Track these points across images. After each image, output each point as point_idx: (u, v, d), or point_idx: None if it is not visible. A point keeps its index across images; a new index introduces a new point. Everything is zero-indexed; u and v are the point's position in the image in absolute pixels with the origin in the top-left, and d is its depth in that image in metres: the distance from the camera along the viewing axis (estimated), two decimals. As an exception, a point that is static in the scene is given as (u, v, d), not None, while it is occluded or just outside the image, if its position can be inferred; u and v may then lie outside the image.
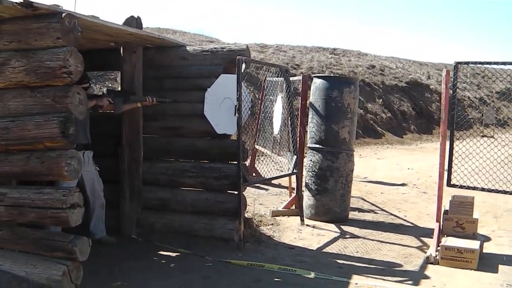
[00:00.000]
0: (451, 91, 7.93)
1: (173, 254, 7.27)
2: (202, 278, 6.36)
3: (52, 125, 5.36)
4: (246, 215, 8.34)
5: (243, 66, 7.51)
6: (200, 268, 6.73)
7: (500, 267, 7.33)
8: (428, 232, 8.60)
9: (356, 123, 10.00)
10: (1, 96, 5.64)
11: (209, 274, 6.52)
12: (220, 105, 7.65)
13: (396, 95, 30.42)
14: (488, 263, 7.44)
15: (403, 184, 13.93)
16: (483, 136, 22.66)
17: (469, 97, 36.78)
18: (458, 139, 8.26)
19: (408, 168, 17.08)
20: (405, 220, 10.05)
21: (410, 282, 6.59)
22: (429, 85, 34.10)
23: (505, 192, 8.00)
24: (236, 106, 7.45)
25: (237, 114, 7.44)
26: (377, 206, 11.04)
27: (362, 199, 11.63)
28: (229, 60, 7.74)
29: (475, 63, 8.24)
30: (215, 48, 8.14)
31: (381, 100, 28.49)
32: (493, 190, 8.00)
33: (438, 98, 31.76)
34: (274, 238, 8.23)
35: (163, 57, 8.09)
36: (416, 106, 30.98)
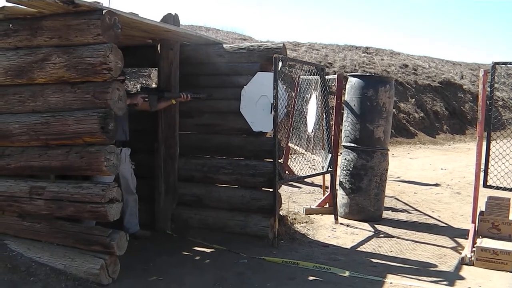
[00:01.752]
0: (488, 92, 7.87)
1: (208, 250, 7.31)
2: (236, 275, 6.40)
3: (92, 120, 5.45)
4: (280, 213, 8.36)
5: (280, 64, 7.53)
6: (234, 264, 6.77)
7: (535, 269, 7.27)
8: (463, 233, 8.56)
9: (391, 122, 9.97)
10: (41, 91, 5.75)
11: (243, 270, 6.55)
12: (256, 102, 7.68)
13: (429, 95, 30.19)
14: (523, 265, 7.39)
15: (436, 184, 13.84)
16: (517, 138, 22.41)
17: (503, 98, 36.39)
18: (493, 139, 8.20)
19: (441, 168, 16.96)
20: (439, 220, 9.99)
21: (445, 282, 6.57)
22: (462, 85, 33.79)
23: (541, 194, 7.94)
24: (272, 104, 7.47)
25: (273, 112, 7.46)
26: (410, 206, 10.99)
27: (396, 198, 11.59)
28: (266, 58, 7.76)
29: (513, 63, 8.17)
30: (251, 46, 8.16)
31: (413, 99, 28.30)
32: (529, 191, 7.94)
33: (471, 98, 31.50)
34: (308, 236, 8.25)
35: (200, 54, 8.12)
36: (449, 106, 30.71)
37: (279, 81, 7.53)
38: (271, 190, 7.63)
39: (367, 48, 33.19)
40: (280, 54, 7.65)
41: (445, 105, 30.37)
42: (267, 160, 7.74)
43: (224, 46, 8.19)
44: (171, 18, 7.54)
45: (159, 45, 7.93)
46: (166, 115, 7.91)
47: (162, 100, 7.46)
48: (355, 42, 35.62)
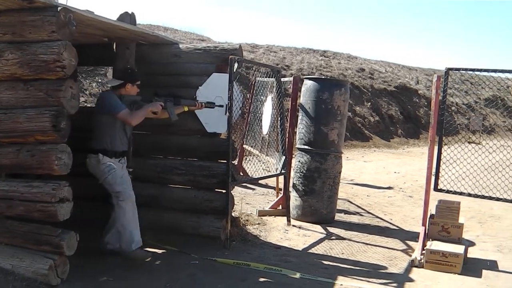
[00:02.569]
0: (441, 97, 7.98)
1: (160, 251, 7.26)
2: (188, 276, 6.37)
3: (44, 118, 5.40)
4: (233, 214, 8.36)
5: (236, 65, 7.53)
6: (186, 265, 6.74)
7: (484, 272, 7.40)
8: (413, 236, 8.66)
9: (345, 125, 10.06)
10: (-7, 88, 5.66)
11: (194, 271, 6.53)
12: (211, 104, 7.67)
13: (384, 99, 30.53)
14: (472, 267, 7.52)
15: (389, 188, 14.01)
16: (470, 142, 22.76)
17: (456, 103, 36.93)
18: (445, 144, 8.32)
19: (395, 172, 17.17)
20: (390, 223, 10.11)
21: (394, 284, 6.65)
22: (417, 90, 34.24)
23: (490, 198, 8.08)
24: (227, 105, 7.47)
25: (227, 113, 7.46)
26: (363, 209, 11.10)
27: (348, 201, 11.69)
28: (222, 59, 7.74)
29: (466, 69, 8.31)
30: (208, 46, 8.15)
31: (369, 103, 28.59)
32: (479, 195, 8.07)
33: (426, 103, 31.93)
34: (260, 238, 8.26)
35: (156, 54, 8.08)
36: (404, 110, 31.10)
37: (234, 83, 7.54)
38: (224, 191, 7.63)
39: (324, 51, 33.44)
40: (236, 55, 7.64)
41: (400, 109, 30.75)
42: (221, 161, 7.73)
43: (181, 46, 8.16)
44: (127, 17, 7.47)
45: (115, 44, 7.87)
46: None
47: (176, 106, 7.32)
48: (313, 45, 35.86)
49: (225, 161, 7.59)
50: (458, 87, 38.83)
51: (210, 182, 7.76)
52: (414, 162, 19.52)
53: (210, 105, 7.42)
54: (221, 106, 7.52)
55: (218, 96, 7.58)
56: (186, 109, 7.32)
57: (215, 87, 7.63)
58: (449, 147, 8.51)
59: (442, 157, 8.07)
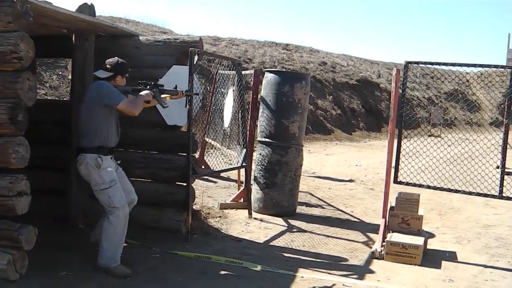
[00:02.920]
0: (400, 90, 8.03)
1: (120, 245, 7.21)
2: (148, 269, 6.34)
3: (0, 111, 5.30)
4: (194, 207, 8.34)
5: (196, 58, 7.50)
6: (146, 259, 6.71)
7: (443, 263, 7.50)
8: (374, 228, 8.72)
9: (306, 118, 10.08)
10: None
11: (155, 265, 6.50)
12: (171, 96, 7.62)
13: (346, 93, 30.70)
14: (431, 258, 7.61)
15: (350, 180, 14.10)
16: (430, 136, 23.05)
17: (418, 97, 37.31)
18: (406, 137, 8.39)
19: (356, 165, 17.27)
20: (351, 215, 10.18)
21: (355, 276, 6.69)
22: (379, 84, 34.48)
23: (449, 190, 8.17)
24: (187, 98, 7.42)
25: (188, 106, 7.42)
26: (324, 201, 11.14)
27: (310, 194, 11.73)
28: (182, 51, 7.70)
29: (425, 63, 8.39)
30: (168, 39, 8.10)
31: (331, 97, 28.72)
32: (438, 188, 8.15)
33: (387, 96, 32.18)
34: (221, 231, 8.25)
35: (116, 46, 8.00)
36: (366, 104, 31.31)
37: (194, 75, 7.50)
38: (184, 184, 7.60)
39: (287, 45, 33.47)
40: (197, 47, 7.61)
41: (362, 102, 30.95)
42: (182, 154, 7.69)
43: (141, 38, 8.11)
44: (86, 8, 7.40)
45: (74, 36, 7.77)
46: (79, 106, 7.76)
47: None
48: (275, 39, 35.89)
49: (185, 154, 7.55)
50: (419, 81, 39.22)
51: (170, 175, 7.73)
52: (376, 155, 19.66)
53: (189, 93, 7.30)
54: (197, 94, 7.54)
55: (178, 88, 7.53)
56: (168, 98, 6.98)
57: (175, 79, 7.56)
58: (409, 140, 8.58)
59: (402, 150, 8.12)
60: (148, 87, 6.59)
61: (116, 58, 6.51)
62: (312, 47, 35.61)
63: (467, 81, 41.70)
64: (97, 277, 6.00)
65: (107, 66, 6.32)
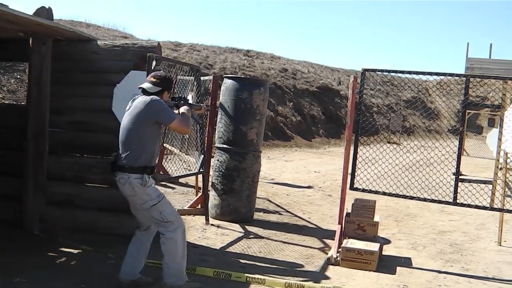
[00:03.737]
0: (357, 97, 8.10)
1: (75, 251, 7.14)
2: (103, 276, 6.30)
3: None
4: (150, 213, 8.29)
5: (154, 63, 7.47)
6: (101, 265, 6.66)
7: (398, 268, 7.58)
8: (331, 234, 8.75)
9: (264, 125, 10.10)
10: None
11: (110, 271, 6.43)
12: (128, 101, 7.57)
13: (306, 99, 30.84)
14: (387, 264, 7.68)
15: (309, 187, 14.16)
16: (389, 142, 23.26)
17: (377, 104, 37.64)
18: (368, 144, 8.47)
19: (315, 171, 17.36)
20: (309, 221, 10.22)
21: (310, 282, 6.70)
22: (339, 91, 34.72)
23: (405, 197, 8.25)
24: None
25: (145, 112, 7.38)
26: (282, 208, 11.17)
27: (268, 200, 11.75)
28: (140, 56, 7.68)
29: (382, 71, 8.47)
30: (126, 43, 8.08)
31: (291, 103, 28.83)
32: (393, 194, 8.22)
33: (347, 103, 32.36)
34: (178, 236, 8.22)
35: (74, 51, 7.97)
36: (326, 110, 31.49)
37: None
38: (141, 190, 7.55)
39: (248, 51, 33.51)
40: (155, 53, 7.60)
41: (322, 109, 31.12)
42: (138, 159, 7.65)
43: (99, 43, 8.08)
44: (44, 12, 7.35)
45: (31, 39, 7.71)
46: (36, 111, 7.69)
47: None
48: (237, 45, 35.92)
49: (142, 160, 7.51)
50: (380, 89, 39.56)
51: (127, 180, 7.67)
52: (335, 162, 19.77)
53: (208, 107, 7.08)
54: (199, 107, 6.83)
55: (136, 94, 7.50)
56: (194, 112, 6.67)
57: (133, 84, 7.51)
58: (367, 147, 8.65)
59: (359, 156, 8.19)
60: (181, 102, 6.21)
61: (163, 72, 6.21)
62: (274, 54, 35.74)
63: (426, 89, 42.27)
64: (52, 283, 5.95)
65: (155, 80, 5.88)
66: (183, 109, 6.00)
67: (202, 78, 10.03)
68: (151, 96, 5.71)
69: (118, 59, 7.87)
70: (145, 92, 5.84)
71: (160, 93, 5.84)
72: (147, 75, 7.32)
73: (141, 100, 5.74)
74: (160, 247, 5.81)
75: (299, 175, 16.14)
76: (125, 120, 5.80)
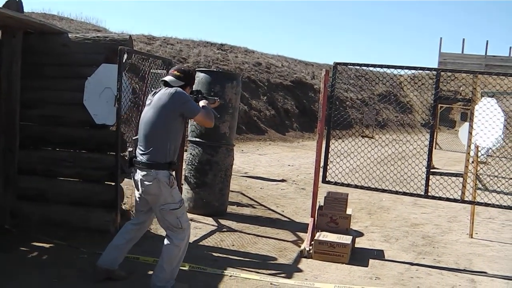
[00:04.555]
0: (329, 91, 8.12)
1: (47, 246, 7.10)
2: (75, 271, 6.27)
3: None
4: (123, 207, 8.28)
5: (125, 56, 7.45)
6: (74, 260, 6.63)
7: (371, 261, 7.63)
8: (304, 227, 8.77)
9: (238, 118, 10.11)
10: None
11: (83, 266, 6.42)
12: (100, 94, 7.53)
13: (280, 93, 30.87)
14: (359, 257, 7.74)
15: (282, 180, 14.18)
16: (363, 136, 23.36)
17: (351, 98, 37.76)
18: (340, 138, 8.50)
19: (289, 165, 17.39)
20: (282, 215, 10.24)
21: (283, 275, 6.75)
22: (313, 85, 34.77)
23: (377, 190, 8.29)
24: (116, 96, 7.37)
25: (117, 105, 7.36)
26: (255, 201, 11.18)
27: (242, 193, 11.75)
28: (112, 49, 7.64)
29: (354, 64, 8.49)
30: (97, 36, 8.04)
31: (265, 97, 28.85)
32: (366, 187, 8.26)
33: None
34: (151, 231, 8.17)
35: (44, 43, 7.91)
36: (300, 104, 31.54)
37: (124, 74, 7.45)
38: (113, 184, 7.53)
39: (222, 44, 33.47)
40: (127, 46, 7.57)
41: (296, 103, 31.16)
42: (111, 153, 7.63)
43: (70, 35, 8.03)
44: (14, 4, 7.29)
45: (0, 32, 7.63)
46: (6, 105, 7.63)
47: None
48: (211, 38, 35.80)
49: (114, 153, 7.49)
50: (353, 83, 39.70)
51: (99, 174, 7.67)
52: (308, 155, 19.80)
53: (221, 101, 6.93)
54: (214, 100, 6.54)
55: (107, 87, 7.47)
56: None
57: (104, 78, 7.52)
58: (344, 141, 8.69)
59: (332, 150, 8.21)
60: (199, 95, 6.06)
61: (187, 67, 6.07)
62: (247, 48, 35.73)
63: (400, 83, 42.52)
64: (23, 278, 5.91)
65: (179, 74, 5.75)
66: (202, 102, 5.90)
67: (175, 71, 9.99)
68: (175, 88, 5.61)
69: (89, 52, 7.82)
70: (167, 85, 5.73)
71: (183, 88, 5.72)
72: (119, 68, 7.33)
73: (164, 92, 5.61)
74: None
75: (272, 169, 16.16)
76: (148, 113, 5.63)
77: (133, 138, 5.85)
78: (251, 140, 23.86)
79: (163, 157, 5.54)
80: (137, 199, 5.90)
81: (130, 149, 5.79)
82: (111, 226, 7.48)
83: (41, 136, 8.00)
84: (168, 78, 5.73)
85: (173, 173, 5.67)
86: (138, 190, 5.71)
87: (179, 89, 5.60)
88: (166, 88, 5.65)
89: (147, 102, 5.77)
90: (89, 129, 7.80)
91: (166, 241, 5.75)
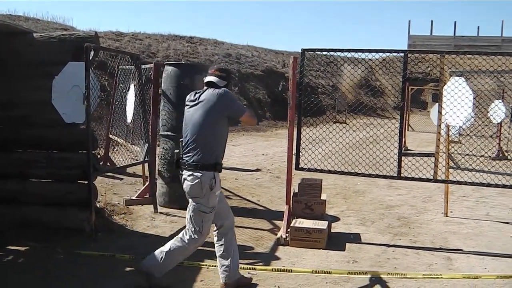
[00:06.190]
0: (298, 77, 8.14)
1: (23, 248, 7.07)
2: (51, 271, 6.25)
3: None
4: (98, 205, 8.28)
5: (92, 53, 7.40)
6: (50, 260, 6.61)
7: (347, 245, 7.69)
8: (280, 215, 8.79)
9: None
10: None
11: (60, 266, 6.42)
12: (68, 93, 7.48)
13: (252, 83, 30.83)
14: (336, 242, 7.80)
15: (257, 170, 14.21)
16: (336, 122, 23.39)
17: (322, 84, 37.81)
18: (312, 125, 8.53)
19: (263, 154, 17.41)
20: (258, 204, 10.27)
21: (261, 263, 6.79)
22: (284, 73, 34.74)
23: (350, 174, 8.35)
24: (84, 94, 7.32)
25: (85, 103, 7.32)
26: (231, 192, 11.18)
27: (216, 185, 11.71)
28: (78, 47, 7.57)
29: (321, 50, 8.54)
30: (63, 35, 8.02)
31: (237, 88, 28.78)
32: (339, 172, 8.31)
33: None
34: (127, 227, 8.19)
35: (10, 44, 7.85)
36: (272, 93, 31.51)
37: (91, 71, 7.41)
38: (86, 182, 7.50)
39: (191, 37, 33.35)
40: (93, 43, 7.52)
41: (267, 92, 31.13)
42: (82, 152, 7.59)
43: (35, 35, 7.98)
44: (-24, 6, 7.21)
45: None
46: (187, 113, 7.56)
47: None
48: (180, 32, 35.55)
49: (86, 152, 7.45)
50: (324, 69, 39.75)
51: (71, 173, 7.64)
52: (282, 144, 19.72)
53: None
54: None
55: (75, 85, 7.42)
56: None
57: (71, 76, 7.47)
58: (314, 127, 8.71)
59: (303, 136, 8.23)
60: None
61: (226, 66, 6.10)
62: (217, 39, 35.62)
63: (371, 67, 42.62)
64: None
65: (221, 73, 5.82)
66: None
67: (143, 66, 9.96)
68: (223, 88, 5.66)
69: (56, 51, 7.78)
70: (213, 85, 5.76)
71: (225, 87, 5.78)
72: (86, 65, 7.28)
73: (212, 93, 5.64)
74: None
75: (247, 159, 16.18)
76: (195, 115, 5.66)
77: (180, 140, 5.87)
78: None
79: (209, 158, 5.60)
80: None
81: (176, 150, 5.79)
82: (86, 224, 7.45)
83: (11, 137, 7.96)
84: (213, 78, 5.76)
85: (218, 175, 5.71)
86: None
87: (226, 89, 5.70)
88: (214, 89, 5.68)
89: (188, 102, 5.83)
90: (60, 128, 7.75)
91: (180, 234, 5.87)
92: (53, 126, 7.81)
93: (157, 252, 5.77)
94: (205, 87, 5.78)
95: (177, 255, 5.81)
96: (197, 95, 5.76)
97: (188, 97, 5.91)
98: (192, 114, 5.70)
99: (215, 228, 6.01)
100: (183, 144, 5.77)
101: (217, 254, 5.95)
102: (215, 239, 6.02)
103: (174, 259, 5.81)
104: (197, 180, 5.57)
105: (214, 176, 5.59)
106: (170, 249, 5.76)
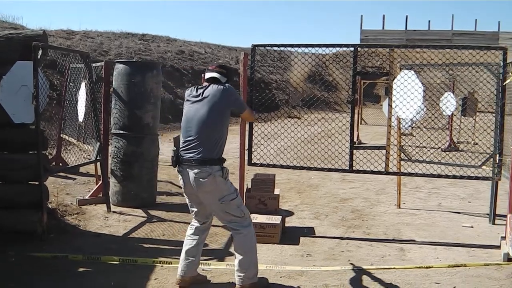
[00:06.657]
0: (249, 73, 8.15)
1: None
2: (4, 274, 6.15)
3: None
4: (50, 206, 8.17)
5: (40, 52, 7.31)
6: (2, 263, 6.50)
7: (301, 239, 7.76)
8: (234, 211, 8.81)
9: (161, 108, 10.04)
10: None
11: (11, 269, 6.32)
12: (16, 93, 7.37)
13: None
14: (290, 236, 7.86)
15: (211, 166, 14.15)
16: (290, 117, 23.53)
17: (276, 80, 37.93)
18: (264, 120, 8.55)
19: (217, 150, 17.39)
20: (212, 200, 10.23)
21: (215, 259, 6.80)
22: (237, 69, 34.68)
23: (303, 168, 8.42)
24: (33, 94, 7.23)
25: (34, 102, 7.22)
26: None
27: (171, 183, 11.71)
28: (26, 46, 7.46)
29: (272, 45, 8.57)
30: (10, 34, 7.89)
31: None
32: (291, 166, 8.36)
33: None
34: (79, 228, 8.11)
35: (-46, 45, 7.69)
36: (225, 90, 31.51)
37: (40, 70, 7.32)
38: (37, 183, 7.40)
39: (143, 35, 33.24)
40: (41, 42, 7.42)
41: (221, 89, 31.09)
42: (32, 152, 7.49)
43: (-20, 35, 7.82)
44: None
45: None
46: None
47: None
48: (132, 29, 35.33)
49: (36, 152, 7.36)
50: (277, 65, 39.86)
51: (22, 175, 7.49)
52: (236, 140, 19.48)
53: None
54: None
55: (24, 85, 7.32)
56: None
57: (20, 75, 7.35)
58: (270, 123, 8.74)
59: (255, 132, 8.25)
60: None
61: (225, 63, 6.07)
62: (170, 36, 35.56)
63: (324, 63, 42.85)
64: None
65: (222, 70, 5.89)
66: None
67: (94, 64, 9.87)
68: (226, 84, 5.72)
69: (3, 50, 7.63)
70: (215, 81, 5.77)
71: (226, 83, 5.82)
72: (34, 65, 7.18)
73: (216, 88, 5.66)
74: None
75: (201, 156, 16.13)
76: (201, 111, 5.63)
77: (174, 137, 5.83)
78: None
79: (215, 153, 5.61)
80: (188, 201, 5.97)
81: (174, 148, 5.73)
82: (38, 226, 7.33)
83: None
84: (215, 74, 5.81)
85: (225, 167, 5.71)
86: (192, 188, 5.66)
87: (229, 85, 5.74)
88: (218, 85, 5.70)
89: (191, 98, 5.80)
90: (9, 129, 7.62)
91: (236, 237, 5.80)
92: (3, 127, 7.68)
93: (240, 264, 5.74)
94: (206, 83, 5.81)
95: (253, 248, 5.82)
96: (200, 90, 5.75)
97: (189, 92, 5.91)
98: (196, 109, 5.68)
99: (196, 221, 6.04)
100: (184, 140, 5.73)
101: (186, 247, 5.94)
102: (190, 231, 6.02)
103: (255, 252, 5.85)
104: (209, 175, 5.52)
105: (221, 167, 5.60)
106: (246, 252, 5.77)
